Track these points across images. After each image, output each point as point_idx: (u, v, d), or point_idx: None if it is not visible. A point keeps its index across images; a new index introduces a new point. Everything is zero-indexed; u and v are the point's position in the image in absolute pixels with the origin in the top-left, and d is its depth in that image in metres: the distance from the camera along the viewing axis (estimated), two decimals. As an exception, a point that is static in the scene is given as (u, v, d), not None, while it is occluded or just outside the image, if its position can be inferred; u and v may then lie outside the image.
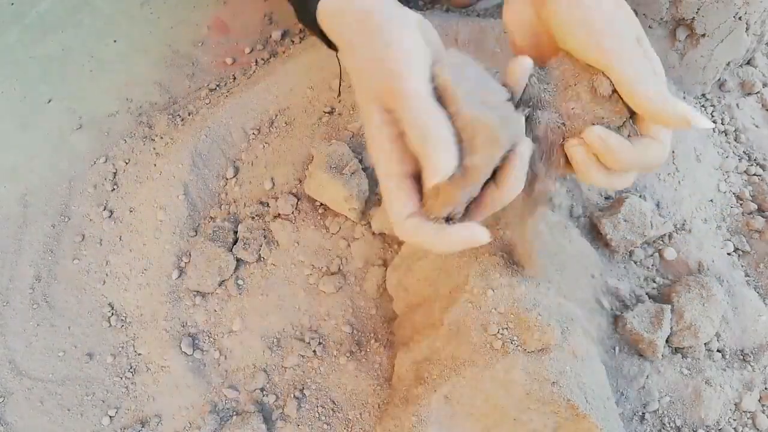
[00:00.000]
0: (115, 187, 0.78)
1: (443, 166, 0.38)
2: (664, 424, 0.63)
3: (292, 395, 0.64)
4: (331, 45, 0.51)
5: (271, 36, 0.89)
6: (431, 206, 0.42)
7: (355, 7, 0.45)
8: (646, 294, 0.69)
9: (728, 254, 0.73)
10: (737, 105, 0.83)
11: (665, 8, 0.74)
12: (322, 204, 0.70)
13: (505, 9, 0.50)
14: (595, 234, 0.70)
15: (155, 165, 0.77)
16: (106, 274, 0.73)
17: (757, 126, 0.83)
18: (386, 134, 0.42)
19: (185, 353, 0.67)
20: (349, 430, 0.63)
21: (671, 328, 0.66)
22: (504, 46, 0.79)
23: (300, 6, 0.51)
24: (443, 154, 0.39)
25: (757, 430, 0.64)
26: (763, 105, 0.84)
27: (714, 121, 0.81)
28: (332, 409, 0.63)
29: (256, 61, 0.86)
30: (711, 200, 0.75)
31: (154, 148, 0.79)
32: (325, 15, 0.48)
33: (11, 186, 0.81)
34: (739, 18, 0.73)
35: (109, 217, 0.76)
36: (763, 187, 0.77)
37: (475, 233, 0.41)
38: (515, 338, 0.55)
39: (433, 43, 0.44)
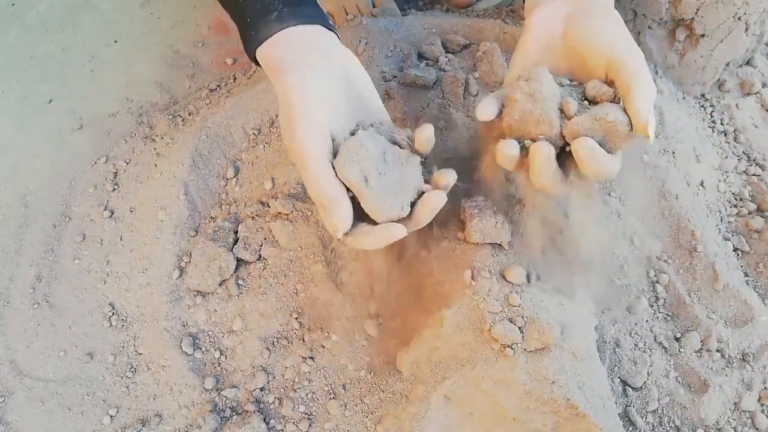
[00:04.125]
0: (115, 187, 0.78)
1: (335, 230, 0.48)
2: (663, 423, 0.64)
3: (292, 395, 0.64)
4: None
5: (271, 36, 0.89)
6: None
7: (279, 80, 0.51)
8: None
9: (728, 254, 0.73)
10: (737, 105, 0.83)
11: (665, 8, 0.74)
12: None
13: (532, 16, 0.55)
14: (594, 234, 0.70)
15: (156, 165, 0.77)
16: (107, 274, 0.73)
17: (756, 126, 0.83)
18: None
19: (186, 353, 0.67)
20: (351, 429, 0.63)
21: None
22: (504, 46, 0.79)
23: (243, 41, 0.57)
24: (335, 221, 0.48)
25: (757, 429, 0.64)
26: (762, 105, 0.84)
27: (713, 122, 0.82)
28: (332, 409, 0.63)
29: (257, 62, 0.86)
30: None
31: (155, 148, 0.79)
32: (261, 61, 0.55)
33: (12, 186, 0.81)
34: (739, 18, 0.73)
35: (110, 217, 0.76)
36: (763, 187, 0.77)
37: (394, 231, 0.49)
38: (515, 338, 0.55)
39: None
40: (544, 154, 0.47)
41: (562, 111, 0.48)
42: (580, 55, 0.52)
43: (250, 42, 0.54)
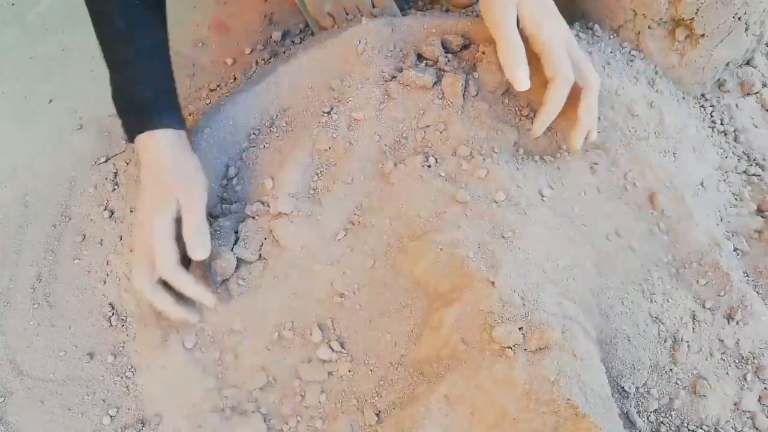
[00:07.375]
0: (115, 187, 0.78)
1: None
2: (663, 423, 0.64)
3: (293, 395, 0.64)
4: None
5: (271, 36, 0.89)
6: None
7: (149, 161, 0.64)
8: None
9: (728, 254, 0.73)
10: (737, 105, 0.83)
11: (665, 8, 0.74)
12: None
13: None
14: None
15: (156, 165, 0.77)
16: (107, 274, 0.73)
17: (756, 126, 0.83)
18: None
19: (186, 353, 0.66)
20: (350, 429, 0.63)
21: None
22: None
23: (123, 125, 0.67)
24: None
25: (757, 430, 0.64)
26: (762, 105, 0.84)
27: (714, 122, 0.81)
28: (333, 409, 0.64)
29: (257, 62, 0.86)
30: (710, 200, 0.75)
31: (155, 148, 0.79)
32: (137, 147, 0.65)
33: (12, 186, 0.81)
34: (739, 18, 0.73)
35: (110, 217, 0.76)
36: (763, 187, 0.77)
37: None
38: (516, 339, 0.55)
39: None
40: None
41: None
42: None
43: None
